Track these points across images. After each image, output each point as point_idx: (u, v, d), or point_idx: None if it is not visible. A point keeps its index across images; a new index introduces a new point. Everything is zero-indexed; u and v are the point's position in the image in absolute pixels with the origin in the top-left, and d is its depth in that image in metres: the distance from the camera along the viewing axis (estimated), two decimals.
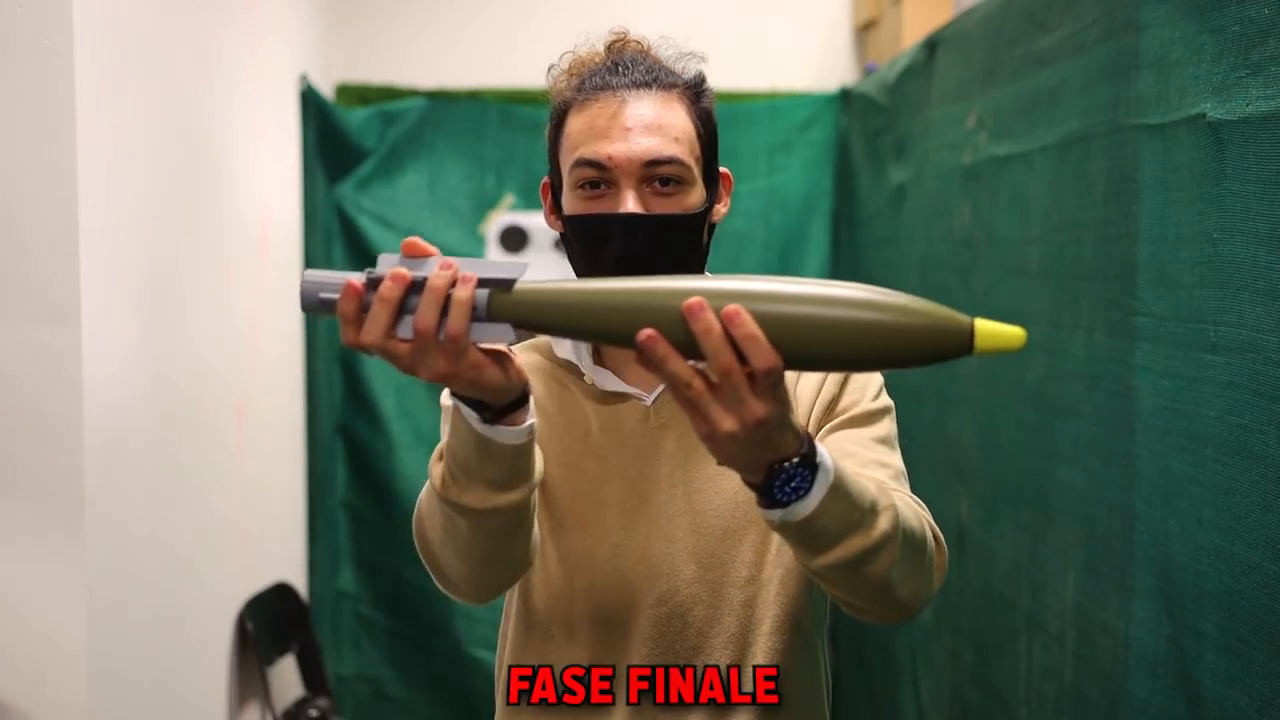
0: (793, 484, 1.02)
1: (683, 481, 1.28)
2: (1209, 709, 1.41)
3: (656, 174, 1.23)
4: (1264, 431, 1.30)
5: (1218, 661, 1.39)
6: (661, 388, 1.29)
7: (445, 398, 1.31)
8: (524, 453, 1.10)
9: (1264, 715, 1.30)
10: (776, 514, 1.04)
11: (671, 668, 1.27)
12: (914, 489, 1.27)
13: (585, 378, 1.32)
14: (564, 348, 1.33)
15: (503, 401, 1.07)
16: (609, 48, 1.32)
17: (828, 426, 1.29)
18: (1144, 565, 1.60)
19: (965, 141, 2.42)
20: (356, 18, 3.76)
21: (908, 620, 1.20)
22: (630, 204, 1.22)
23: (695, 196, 1.25)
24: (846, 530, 1.07)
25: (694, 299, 0.96)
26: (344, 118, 3.56)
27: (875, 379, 1.33)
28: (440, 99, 3.68)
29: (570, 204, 1.26)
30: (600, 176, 1.23)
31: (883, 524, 1.10)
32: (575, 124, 1.26)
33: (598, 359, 1.33)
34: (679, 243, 1.25)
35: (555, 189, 1.31)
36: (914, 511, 1.17)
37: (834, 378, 1.32)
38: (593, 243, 1.24)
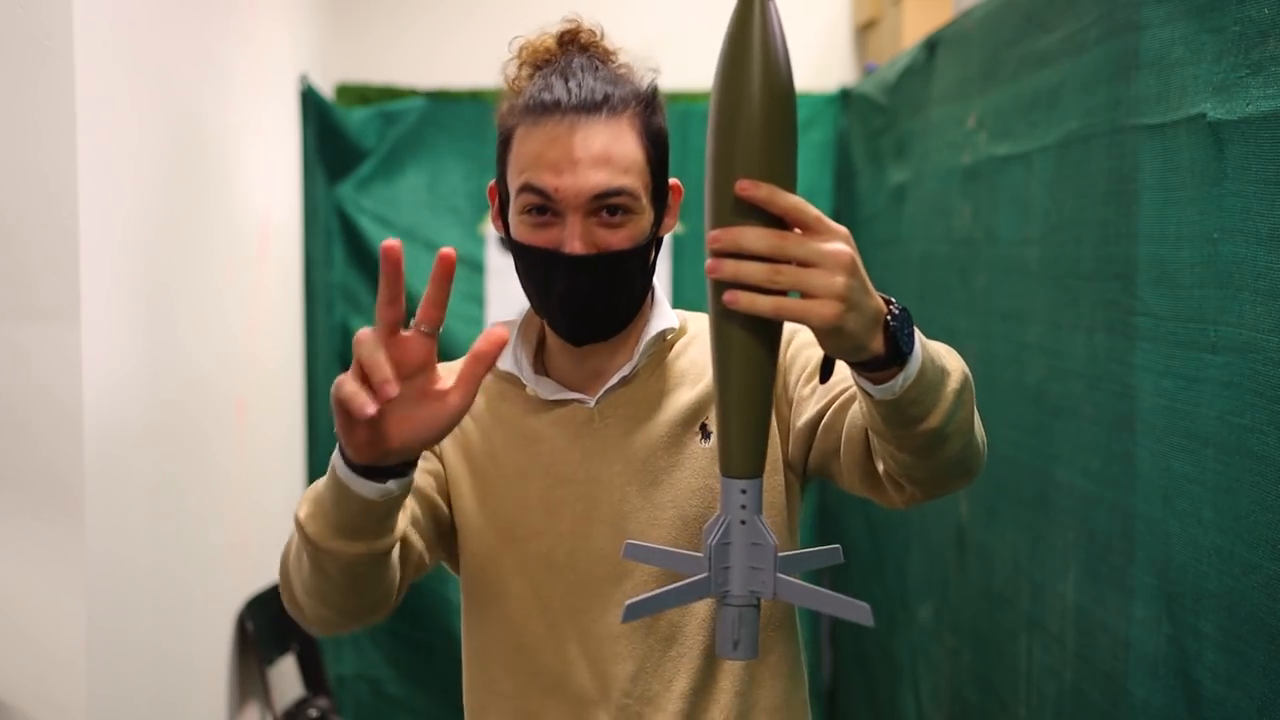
0: (906, 330, 0.99)
1: (636, 478, 1.28)
2: (1209, 709, 1.41)
3: (604, 205, 1.21)
4: (1264, 431, 1.30)
5: (1218, 661, 1.39)
6: (604, 390, 1.29)
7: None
8: (372, 511, 1.04)
9: (1264, 715, 1.30)
10: (899, 379, 1.00)
11: (649, 659, 1.27)
12: None
13: (527, 389, 1.31)
14: (505, 359, 1.32)
15: (391, 461, 1.02)
16: (560, 38, 1.29)
17: (805, 381, 1.27)
18: (1144, 565, 1.60)
19: (965, 141, 2.42)
20: (356, 18, 3.76)
21: (971, 482, 1.19)
22: (575, 241, 1.19)
23: (643, 223, 1.23)
24: (941, 377, 1.05)
25: (740, 184, 0.95)
26: (344, 118, 3.56)
27: (802, 332, 1.30)
28: (440, 99, 3.68)
29: (516, 227, 1.25)
30: (546, 204, 1.21)
31: (954, 361, 1.09)
32: (523, 146, 1.23)
33: (539, 369, 1.33)
34: (624, 274, 1.24)
35: (502, 197, 1.29)
36: None
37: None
38: (538, 276, 1.24)
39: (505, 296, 3.66)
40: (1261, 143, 1.30)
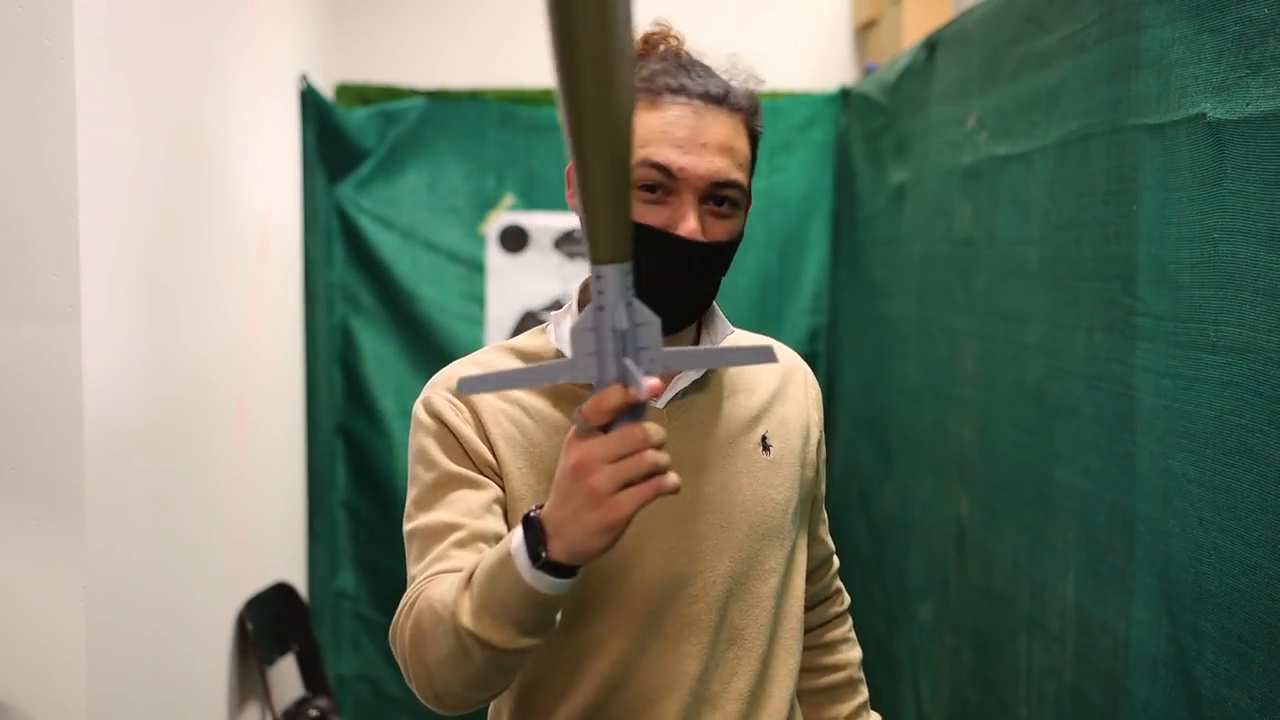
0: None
1: (705, 482, 1.28)
2: (1209, 709, 1.41)
3: (719, 194, 1.22)
4: (1264, 431, 1.30)
5: (1218, 661, 1.39)
6: (675, 391, 1.29)
7: (425, 518, 1.23)
8: (559, 604, 1.05)
9: (1264, 715, 1.30)
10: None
11: (712, 660, 1.28)
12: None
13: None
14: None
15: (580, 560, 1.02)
16: (646, 39, 1.28)
17: (816, 484, 1.39)
18: (1144, 565, 1.60)
19: (965, 141, 2.42)
20: (356, 18, 3.77)
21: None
22: (691, 222, 1.20)
23: (741, 221, 1.26)
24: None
25: None
26: (344, 118, 3.56)
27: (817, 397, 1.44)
28: (440, 99, 3.68)
29: None
30: (663, 182, 1.21)
31: None
32: (645, 121, 1.22)
33: None
34: (717, 268, 1.26)
35: None
36: None
37: (814, 400, 1.40)
38: (639, 252, 1.22)
39: (505, 297, 3.66)
40: (1261, 143, 1.30)
